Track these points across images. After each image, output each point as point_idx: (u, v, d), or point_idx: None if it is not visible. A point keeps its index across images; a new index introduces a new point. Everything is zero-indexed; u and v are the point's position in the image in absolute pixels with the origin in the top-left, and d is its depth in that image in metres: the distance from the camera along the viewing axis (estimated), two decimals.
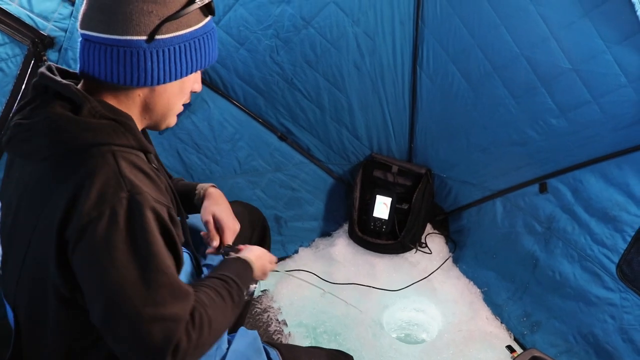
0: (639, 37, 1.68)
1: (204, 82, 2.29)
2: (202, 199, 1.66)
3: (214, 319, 1.15)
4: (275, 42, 2.26)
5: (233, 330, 1.52)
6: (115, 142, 1.10)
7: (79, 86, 1.18)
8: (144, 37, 1.10)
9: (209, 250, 1.60)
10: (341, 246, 2.83)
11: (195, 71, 1.21)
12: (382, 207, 2.75)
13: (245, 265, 1.44)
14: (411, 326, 2.58)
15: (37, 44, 1.79)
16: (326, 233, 2.94)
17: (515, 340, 2.42)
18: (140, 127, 1.23)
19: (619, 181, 2.01)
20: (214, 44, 1.24)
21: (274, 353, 1.47)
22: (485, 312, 2.52)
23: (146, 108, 1.21)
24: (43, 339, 1.20)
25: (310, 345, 2.37)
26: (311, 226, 2.88)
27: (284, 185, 2.71)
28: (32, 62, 1.82)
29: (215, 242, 1.57)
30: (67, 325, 1.16)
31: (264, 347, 1.48)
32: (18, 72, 1.82)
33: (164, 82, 1.16)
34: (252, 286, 1.57)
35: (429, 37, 2.30)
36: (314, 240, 2.91)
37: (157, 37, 1.11)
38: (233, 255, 1.48)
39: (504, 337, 2.42)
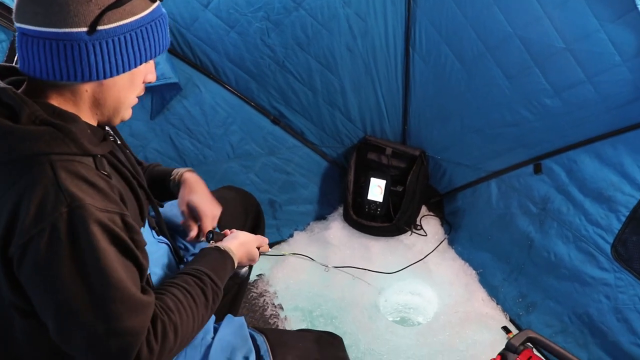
0: (633, 15, 1.66)
1: (194, 65, 2.28)
2: (177, 185, 1.61)
3: (181, 324, 1.13)
4: (265, 24, 2.23)
5: (220, 318, 1.51)
6: (54, 150, 1.02)
7: (22, 87, 1.12)
8: (85, 29, 1.02)
9: (188, 238, 1.56)
10: (336, 229, 2.82)
11: (145, 61, 1.12)
12: (376, 189, 2.75)
13: (224, 255, 1.40)
14: (407, 308, 2.58)
15: None
16: (321, 216, 2.93)
17: (511, 321, 2.42)
18: (93, 123, 1.17)
19: (614, 161, 2.00)
20: (164, 31, 1.15)
21: (260, 339, 1.46)
22: (480, 293, 2.53)
23: (96, 104, 1.14)
24: (17, 353, 1.17)
25: (306, 328, 2.38)
26: (306, 210, 2.87)
27: (278, 169, 2.69)
28: (16, 58, 1.80)
29: (193, 233, 1.54)
30: (37, 337, 1.12)
31: (250, 333, 1.47)
32: (5, 58, 1.79)
33: (111, 76, 1.09)
34: (244, 269, 1.56)
35: (421, 18, 2.27)
36: (308, 224, 2.91)
37: (99, 27, 1.03)
38: (212, 244, 1.45)
39: (500, 318, 2.43)
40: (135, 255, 1.08)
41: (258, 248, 1.57)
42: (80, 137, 1.07)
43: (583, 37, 1.82)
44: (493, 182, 2.57)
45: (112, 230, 1.03)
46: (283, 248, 2.76)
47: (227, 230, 1.55)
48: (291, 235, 2.84)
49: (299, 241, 2.80)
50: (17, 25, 1.06)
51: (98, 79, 1.08)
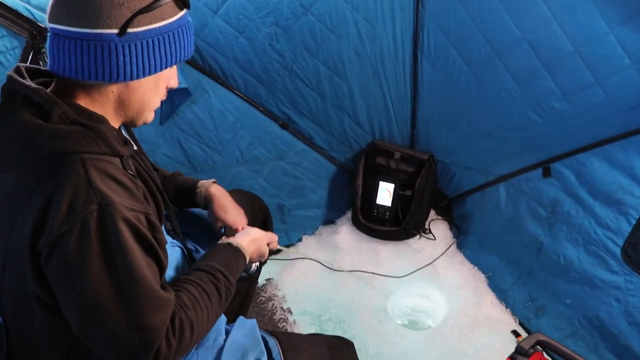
0: None
1: (203, 71, 2.30)
2: (204, 199, 1.66)
3: (196, 320, 1.15)
4: (274, 29, 2.24)
5: (232, 320, 1.52)
6: (86, 149, 1.05)
7: (51, 87, 1.15)
8: (116, 31, 1.06)
9: None
10: (345, 233, 2.83)
11: (170, 66, 1.16)
12: (385, 193, 2.75)
13: (236, 252, 1.42)
14: (416, 312, 2.57)
15: (35, 36, 1.77)
16: (330, 221, 2.93)
17: (521, 324, 2.42)
18: (116, 124, 1.20)
19: (624, 164, 1.99)
20: (190, 38, 1.19)
21: (272, 342, 1.46)
22: (490, 297, 2.52)
23: (121, 104, 1.17)
24: (33, 344, 1.18)
25: (315, 332, 2.38)
26: (314, 214, 2.88)
27: (286, 173, 2.70)
28: (31, 54, 1.81)
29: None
30: (55, 331, 1.14)
31: (262, 335, 1.47)
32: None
33: (138, 78, 1.12)
34: (254, 265, 1.59)
35: (429, 22, 2.28)
36: (317, 228, 2.91)
37: (130, 30, 1.07)
38: (224, 240, 1.47)
39: (509, 322, 2.42)
40: (157, 253, 1.10)
41: (268, 245, 1.59)
42: (109, 138, 1.10)
43: (592, 40, 1.83)
44: (502, 185, 2.56)
45: (138, 228, 1.05)
46: (291, 252, 2.76)
47: (239, 226, 1.58)
48: (300, 240, 2.84)
49: (308, 245, 2.80)
50: (50, 25, 1.10)
51: (125, 80, 1.11)
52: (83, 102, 1.13)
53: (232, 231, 1.56)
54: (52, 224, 0.99)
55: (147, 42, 1.10)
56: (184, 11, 1.18)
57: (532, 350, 1.73)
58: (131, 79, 1.11)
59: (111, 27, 1.06)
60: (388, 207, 2.75)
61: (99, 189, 1.02)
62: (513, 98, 2.19)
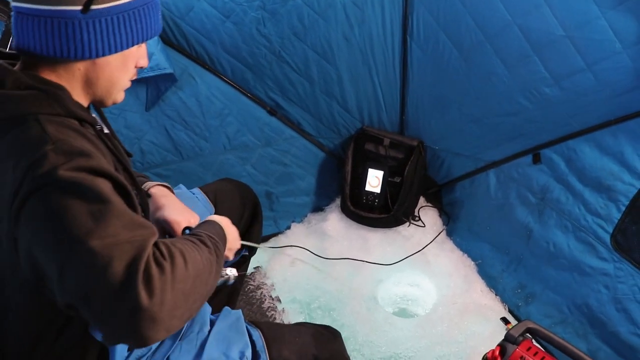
0: (634, 1, 1.64)
1: (189, 56, 2.26)
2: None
3: (187, 251, 1.02)
4: (261, 13, 2.20)
5: (218, 310, 1.50)
6: (40, 111, 1.04)
7: (17, 66, 1.13)
8: (79, 7, 1.05)
9: None
10: (334, 221, 2.81)
11: (137, 44, 1.15)
12: (374, 180, 2.73)
13: (213, 223, 1.31)
14: (405, 300, 2.57)
15: None
16: (318, 208, 2.92)
17: (510, 312, 2.41)
18: (84, 102, 1.18)
19: (614, 150, 1.98)
20: (156, 15, 1.18)
21: (256, 334, 1.44)
22: (479, 284, 2.52)
23: (88, 82, 1.16)
24: (6, 325, 1.15)
25: (304, 321, 2.36)
26: (303, 201, 2.85)
27: (274, 160, 2.67)
28: (11, 39, 1.77)
29: None
30: (31, 310, 1.11)
31: (246, 327, 1.45)
32: None
33: (103, 55, 1.11)
34: (230, 272, 1.45)
35: (419, 6, 2.25)
36: (306, 216, 2.89)
37: (93, 7, 1.06)
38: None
39: (499, 309, 2.42)
40: (127, 191, 1.05)
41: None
42: (64, 99, 1.09)
43: (583, 24, 1.80)
44: (492, 172, 2.55)
45: (101, 165, 1.00)
46: (280, 240, 2.74)
47: (180, 219, 1.46)
48: (288, 227, 2.82)
49: (297, 233, 2.78)
50: (13, 4, 1.08)
51: (90, 57, 1.10)
52: (47, 77, 1.11)
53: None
54: (13, 182, 0.96)
55: (112, 18, 1.08)
56: None
57: (521, 338, 1.73)
58: (97, 56, 1.10)
59: (74, 4, 1.05)
60: (377, 194, 2.73)
61: (53, 134, 1.00)
62: (503, 83, 2.17)
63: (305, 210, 2.89)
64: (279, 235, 2.79)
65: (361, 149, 2.75)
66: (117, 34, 1.10)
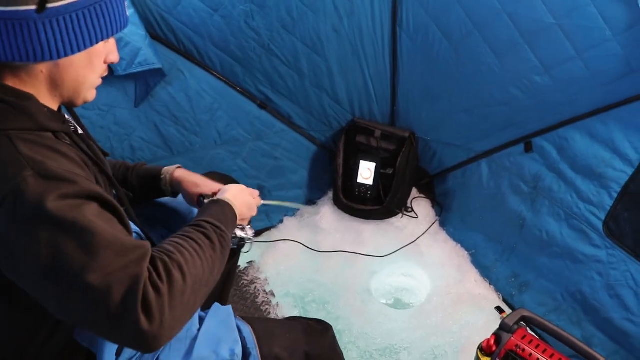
0: None
1: (178, 50, 2.24)
2: (170, 184, 1.57)
3: (185, 262, 1.03)
4: (249, 6, 2.18)
5: (208, 306, 1.48)
6: (8, 127, 0.99)
7: None
8: (33, 7, 0.97)
9: None
10: (326, 214, 2.80)
11: (100, 41, 1.08)
12: (366, 172, 2.72)
13: (222, 204, 1.32)
14: (400, 291, 2.57)
15: None
16: (311, 201, 2.91)
17: (504, 301, 2.42)
18: (53, 105, 1.13)
19: (605, 137, 1.98)
20: (120, 9, 1.11)
21: (246, 330, 1.42)
22: (473, 274, 2.52)
23: (54, 85, 1.10)
24: None
25: (298, 315, 2.36)
26: (295, 195, 2.84)
27: (265, 154, 2.66)
28: None
29: None
30: (13, 317, 1.09)
31: (236, 323, 1.44)
32: None
33: (65, 55, 1.04)
34: (248, 232, 1.49)
35: None
36: (298, 209, 2.88)
37: (49, 5, 0.98)
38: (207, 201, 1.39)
39: (493, 299, 2.42)
40: (114, 207, 1.02)
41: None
42: (34, 113, 1.04)
43: (572, 11, 1.80)
44: (483, 162, 2.55)
45: (84, 187, 0.97)
46: (273, 234, 2.74)
47: (214, 190, 1.48)
48: (281, 221, 2.81)
49: (289, 227, 2.78)
50: None
51: (52, 58, 1.03)
52: (11, 82, 1.06)
53: (210, 197, 1.45)
54: None
55: (71, 16, 1.01)
56: None
57: (516, 327, 1.73)
58: (58, 57, 1.04)
59: (28, 4, 0.97)
60: (369, 185, 2.73)
61: (29, 157, 0.95)
62: (494, 73, 2.17)
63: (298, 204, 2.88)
64: (272, 229, 2.78)
65: (352, 141, 2.74)
66: (77, 32, 1.03)
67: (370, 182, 2.72)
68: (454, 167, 2.74)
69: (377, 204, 2.75)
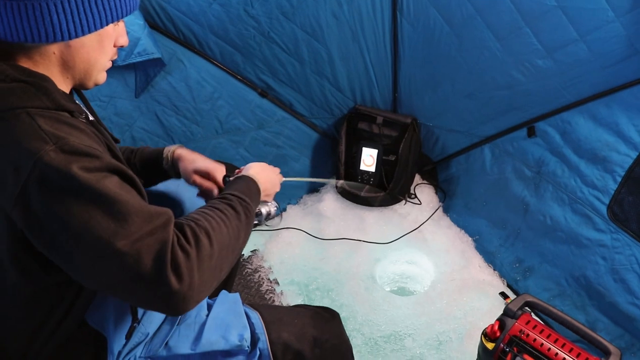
0: None
1: (177, 40, 2.22)
2: (171, 162, 1.58)
3: (212, 229, 1.07)
4: None
5: (215, 294, 1.49)
6: (28, 104, 1.00)
7: None
8: None
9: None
10: (329, 201, 2.80)
11: (111, 22, 1.10)
12: (368, 159, 2.71)
13: (246, 180, 1.35)
14: (404, 278, 2.57)
15: None
16: (314, 189, 2.91)
17: (509, 286, 2.42)
18: (65, 88, 1.14)
19: (608, 121, 1.97)
20: None
21: (255, 316, 1.43)
22: (477, 260, 2.52)
23: (65, 66, 1.11)
24: (3, 317, 1.15)
25: (302, 303, 2.36)
26: (298, 183, 2.84)
27: (267, 142, 2.65)
28: None
29: (216, 190, 1.50)
30: (30, 299, 1.10)
31: (244, 310, 1.44)
32: None
33: (76, 36, 1.06)
34: (273, 207, 1.53)
35: None
36: (301, 197, 2.88)
37: None
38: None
39: (497, 284, 2.42)
40: (134, 180, 1.05)
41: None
42: (53, 92, 1.05)
43: None
44: (486, 147, 2.53)
45: (103, 157, 1.00)
46: (282, 217, 2.74)
47: (238, 170, 1.50)
48: (284, 209, 2.81)
49: (292, 215, 2.77)
50: None
51: (63, 39, 1.05)
52: (26, 64, 1.07)
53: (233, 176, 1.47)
54: (7, 177, 0.95)
55: None
56: None
57: (520, 312, 1.73)
58: (69, 38, 1.05)
59: None
60: (372, 172, 2.72)
61: (50, 132, 0.97)
62: (496, 57, 2.15)
63: (301, 192, 2.88)
64: (275, 217, 2.77)
65: (354, 128, 2.73)
66: (89, 14, 1.05)
67: (372, 169, 2.72)
68: (456, 152, 2.73)
69: (380, 191, 2.74)
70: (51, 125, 0.99)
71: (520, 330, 1.67)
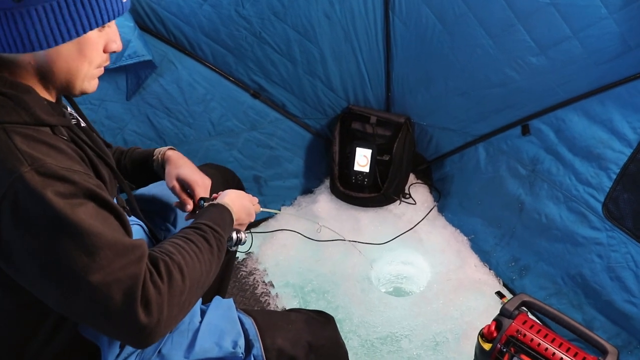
0: None
1: (168, 42, 2.21)
2: (161, 165, 1.56)
3: (185, 264, 1.05)
4: None
5: (209, 300, 1.47)
6: (6, 119, 0.95)
7: None
8: None
9: (186, 216, 1.52)
10: (324, 202, 2.78)
11: (89, 30, 1.01)
12: (362, 159, 2.69)
13: (221, 209, 1.34)
14: (400, 279, 2.55)
15: None
16: (308, 190, 2.88)
17: (505, 285, 2.41)
18: (50, 96, 1.10)
19: (602, 118, 1.96)
20: None
21: (248, 322, 1.41)
22: (473, 259, 2.50)
23: (44, 76, 1.06)
24: None
25: (298, 305, 2.35)
26: (292, 184, 2.82)
27: (261, 144, 2.63)
28: None
29: (189, 206, 1.48)
30: (16, 313, 1.08)
31: (238, 316, 1.43)
32: None
33: (48, 47, 0.98)
34: (243, 235, 1.48)
35: None
36: (295, 199, 2.86)
37: None
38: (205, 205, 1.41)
39: (493, 284, 2.41)
40: (112, 206, 1.01)
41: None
42: (33, 106, 1.00)
43: None
44: (481, 146, 2.52)
45: (80, 183, 0.96)
46: (271, 224, 2.72)
47: (215, 195, 1.49)
48: (279, 210, 2.78)
49: (287, 216, 2.75)
50: None
51: (34, 50, 0.99)
52: (8, 74, 1.03)
53: (209, 200, 1.47)
54: None
55: (51, 5, 0.95)
56: None
57: (517, 312, 1.72)
58: (40, 48, 0.98)
59: None
60: (366, 173, 2.70)
61: (27, 152, 0.93)
62: (489, 55, 2.14)
63: (295, 193, 2.86)
64: (269, 219, 2.76)
65: (348, 128, 2.71)
66: (60, 22, 0.97)
67: (367, 169, 2.70)
68: (451, 151, 2.71)
69: (375, 191, 2.72)
70: (28, 145, 0.95)
71: (517, 330, 1.66)
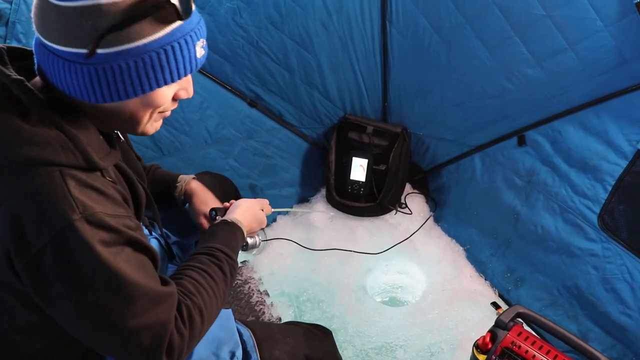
0: None
1: None
2: (183, 195, 1.61)
3: (204, 305, 1.13)
4: (237, 3, 2.16)
5: None
6: (63, 162, 0.95)
7: (35, 79, 1.03)
8: (84, 50, 0.92)
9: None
10: (320, 212, 2.77)
11: (157, 88, 0.99)
12: (359, 169, 2.70)
13: (232, 226, 1.40)
14: (395, 289, 2.55)
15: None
16: (304, 199, 2.88)
17: (500, 296, 2.40)
18: (106, 128, 1.09)
19: (598, 130, 1.96)
20: (188, 52, 0.99)
21: (247, 333, 1.42)
22: (468, 270, 2.50)
23: (105, 120, 1.05)
24: (3, 344, 1.12)
25: (293, 314, 2.34)
26: (288, 193, 2.82)
27: (257, 152, 2.63)
28: None
29: None
30: (32, 330, 1.09)
31: (236, 327, 1.43)
32: None
33: (110, 102, 0.97)
34: (257, 239, 1.58)
35: None
36: (291, 208, 2.85)
37: (99, 50, 0.91)
38: (219, 218, 1.45)
39: (489, 294, 2.40)
40: (147, 248, 1.05)
41: (262, 210, 1.58)
42: (89, 151, 0.99)
43: (563, 2, 1.78)
44: (477, 156, 2.52)
45: (123, 231, 0.99)
46: (266, 233, 2.71)
47: (226, 204, 1.55)
48: (274, 220, 2.79)
49: (282, 225, 2.75)
50: (34, 28, 0.98)
51: (95, 102, 0.98)
52: (70, 108, 1.02)
53: (222, 211, 1.54)
54: (27, 241, 0.92)
55: (120, 65, 0.94)
56: (171, 26, 0.96)
57: (512, 323, 1.72)
58: (104, 101, 0.97)
59: (78, 46, 0.92)
60: (362, 182, 2.70)
61: (79, 199, 0.94)
62: (485, 66, 2.14)
63: (291, 202, 2.85)
64: (265, 228, 2.74)
65: (344, 137, 2.72)
66: (127, 81, 0.96)
67: (363, 178, 2.70)
68: (447, 162, 2.72)
69: (371, 201, 2.73)
70: (80, 191, 0.95)
71: (512, 342, 1.65)
